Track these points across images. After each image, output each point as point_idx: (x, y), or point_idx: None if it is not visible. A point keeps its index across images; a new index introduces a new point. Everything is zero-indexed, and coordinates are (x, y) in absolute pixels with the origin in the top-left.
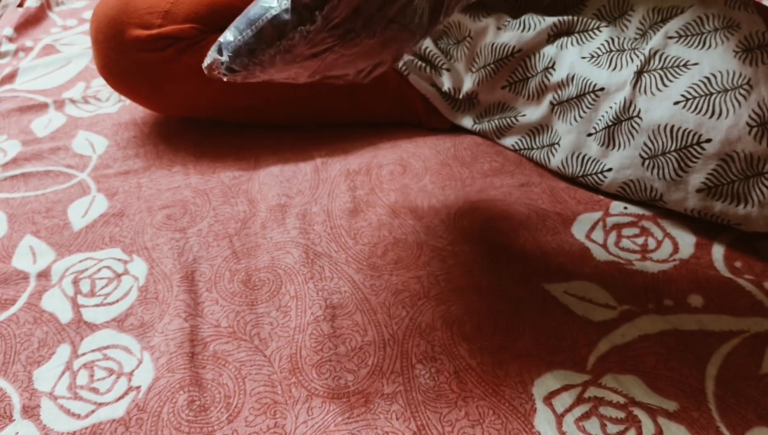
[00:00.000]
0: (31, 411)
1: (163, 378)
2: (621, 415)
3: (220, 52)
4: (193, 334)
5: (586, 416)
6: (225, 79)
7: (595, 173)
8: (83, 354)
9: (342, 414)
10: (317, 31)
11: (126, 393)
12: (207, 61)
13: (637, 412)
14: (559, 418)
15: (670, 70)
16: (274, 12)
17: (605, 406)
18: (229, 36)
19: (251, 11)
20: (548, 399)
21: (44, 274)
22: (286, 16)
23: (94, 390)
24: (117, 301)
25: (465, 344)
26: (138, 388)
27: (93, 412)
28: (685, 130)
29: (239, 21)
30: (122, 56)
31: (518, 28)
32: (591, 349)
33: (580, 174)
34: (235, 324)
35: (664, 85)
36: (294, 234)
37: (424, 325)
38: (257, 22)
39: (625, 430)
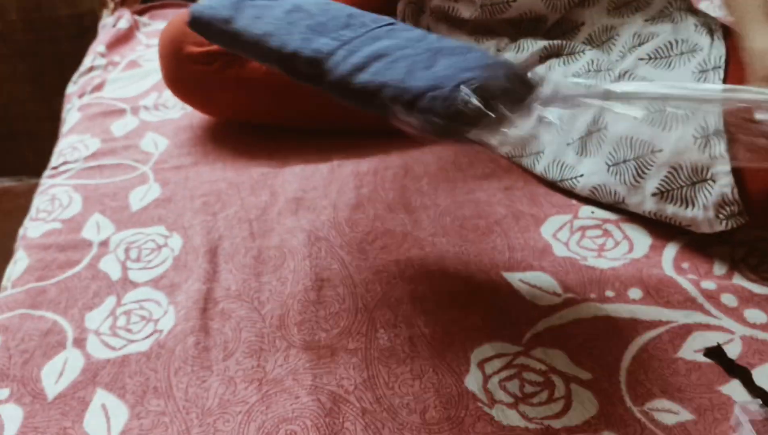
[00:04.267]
0: (80, 343)
1: (180, 325)
2: (540, 379)
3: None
4: (207, 295)
5: (509, 378)
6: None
7: (570, 178)
8: (125, 304)
9: (310, 361)
10: None
11: (152, 334)
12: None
13: (554, 378)
14: (486, 378)
15: None
16: None
17: (528, 371)
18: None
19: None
20: (482, 363)
21: (104, 243)
22: None
23: (129, 330)
24: (156, 266)
25: (423, 316)
26: (161, 331)
27: (125, 346)
28: (641, 141)
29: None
30: (180, 68)
31: (514, 50)
32: (529, 328)
33: (559, 179)
34: (242, 289)
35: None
36: (303, 222)
37: (393, 299)
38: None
39: (539, 391)
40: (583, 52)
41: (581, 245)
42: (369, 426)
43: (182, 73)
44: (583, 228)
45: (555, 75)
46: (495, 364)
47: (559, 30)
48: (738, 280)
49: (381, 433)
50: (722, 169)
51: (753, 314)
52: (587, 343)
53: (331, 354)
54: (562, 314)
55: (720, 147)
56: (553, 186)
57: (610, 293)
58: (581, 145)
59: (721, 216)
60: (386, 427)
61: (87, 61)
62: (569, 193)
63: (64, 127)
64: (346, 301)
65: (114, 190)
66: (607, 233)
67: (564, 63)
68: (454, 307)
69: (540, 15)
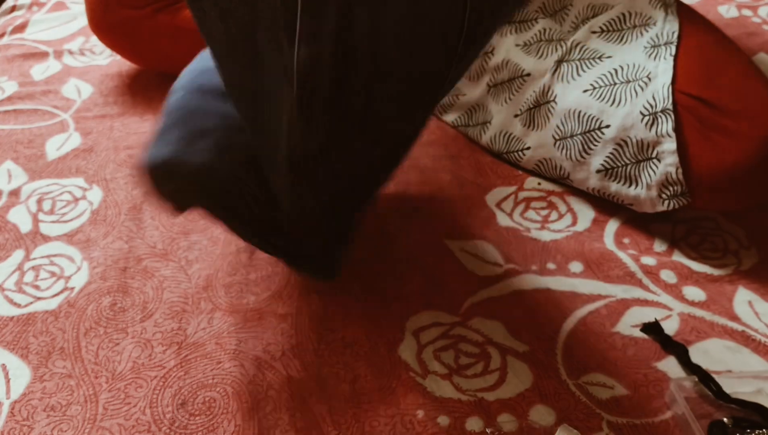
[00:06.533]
0: None
1: (95, 283)
2: (476, 350)
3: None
4: (129, 252)
5: (445, 348)
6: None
7: (517, 151)
8: (34, 259)
9: (236, 325)
10: None
11: (62, 292)
12: None
13: (491, 349)
14: (421, 347)
15: (586, 61)
16: None
17: (465, 342)
18: None
19: None
20: (417, 332)
21: (15, 193)
22: None
23: (36, 287)
24: (71, 220)
25: (359, 282)
26: (72, 289)
27: (31, 303)
28: (589, 115)
29: None
30: (107, 12)
31: None
32: (468, 298)
33: (505, 151)
34: (169, 247)
35: (578, 74)
36: None
37: None
38: None
39: (475, 362)
40: (535, 20)
41: (525, 217)
42: (295, 395)
43: (109, 17)
44: (528, 199)
45: (506, 42)
46: (431, 334)
47: None
48: (678, 257)
49: (307, 403)
50: (668, 148)
51: (691, 292)
52: (526, 315)
53: (258, 318)
54: (502, 285)
55: (667, 125)
56: (499, 156)
57: (551, 265)
58: (529, 117)
59: (663, 196)
60: (313, 397)
61: (10, 0)
62: (515, 165)
63: None
64: (279, 264)
65: (29, 136)
66: (552, 205)
67: (516, 30)
68: (393, 274)
69: None
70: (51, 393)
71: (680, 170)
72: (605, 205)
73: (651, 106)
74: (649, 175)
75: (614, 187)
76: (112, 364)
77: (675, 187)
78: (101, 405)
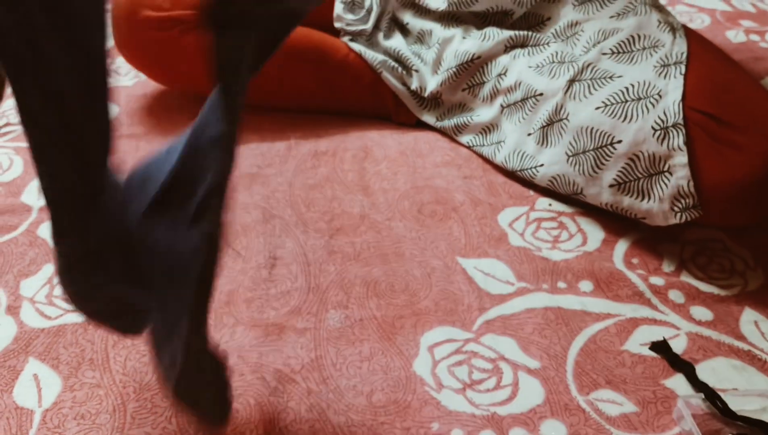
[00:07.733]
0: (13, 310)
1: None
2: (489, 366)
3: None
4: None
5: (458, 364)
6: None
7: (530, 168)
8: None
9: (257, 339)
10: None
11: None
12: None
13: (503, 365)
14: (436, 362)
15: (598, 80)
16: None
17: (477, 358)
18: None
19: None
20: (432, 348)
21: (45, 209)
22: None
23: (66, 300)
24: None
25: (375, 299)
26: None
27: (61, 316)
28: (601, 131)
29: None
30: (134, 33)
31: (480, 38)
32: (481, 315)
33: (519, 168)
34: None
35: (590, 93)
36: (257, 198)
37: (346, 280)
38: None
39: (487, 378)
40: (547, 44)
41: (536, 236)
42: (314, 407)
43: (137, 39)
44: (539, 219)
45: (518, 65)
46: (445, 349)
47: (525, 24)
48: (686, 278)
49: (326, 415)
50: (679, 162)
51: (699, 311)
52: (537, 333)
53: (279, 332)
54: (513, 303)
55: (678, 139)
56: (512, 177)
57: (562, 284)
58: (542, 135)
59: (676, 208)
60: (331, 408)
61: None
62: (528, 184)
63: (9, 88)
64: (298, 280)
65: None
66: (562, 226)
67: (528, 54)
68: (408, 291)
69: (507, 9)
70: (81, 402)
71: (692, 183)
72: (614, 226)
73: (662, 121)
74: (661, 188)
75: (627, 201)
76: (139, 375)
77: (687, 200)
78: (129, 414)
